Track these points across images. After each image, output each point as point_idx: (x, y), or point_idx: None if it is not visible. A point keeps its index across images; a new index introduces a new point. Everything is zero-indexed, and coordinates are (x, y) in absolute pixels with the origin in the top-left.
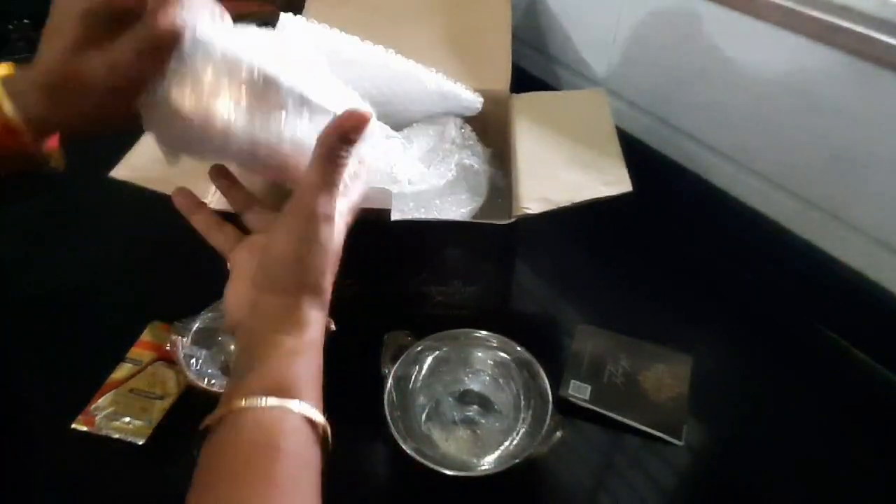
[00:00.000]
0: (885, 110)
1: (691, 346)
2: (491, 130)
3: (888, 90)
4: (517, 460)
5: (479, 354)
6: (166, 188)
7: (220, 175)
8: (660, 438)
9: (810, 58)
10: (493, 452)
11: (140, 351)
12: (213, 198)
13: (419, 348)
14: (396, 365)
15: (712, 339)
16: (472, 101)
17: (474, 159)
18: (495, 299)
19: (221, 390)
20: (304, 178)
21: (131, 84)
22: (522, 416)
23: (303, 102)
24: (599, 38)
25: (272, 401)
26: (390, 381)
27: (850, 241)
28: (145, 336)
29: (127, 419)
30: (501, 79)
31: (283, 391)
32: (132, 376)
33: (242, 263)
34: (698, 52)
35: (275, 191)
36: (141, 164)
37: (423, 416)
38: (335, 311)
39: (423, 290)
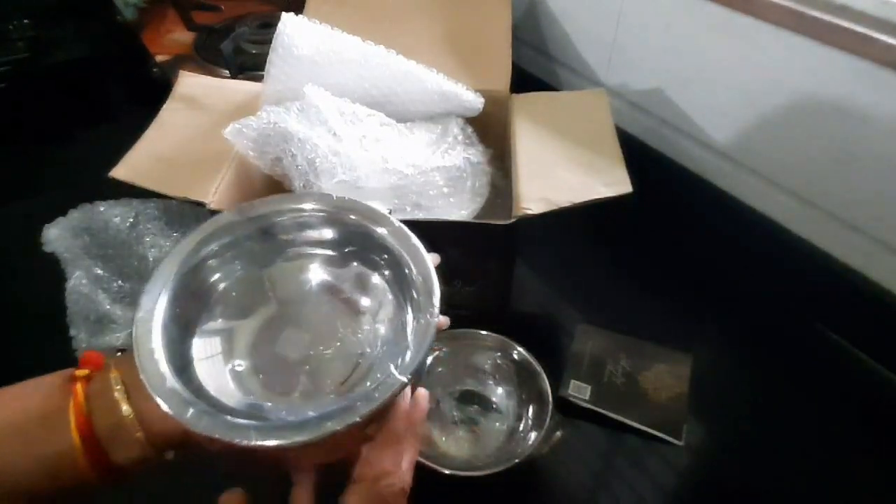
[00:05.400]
0: (885, 110)
1: (691, 346)
2: (491, 130)
3: (888, 90)
4: (517, 460)
5: (479, 354)
6: (166, 188)
7: None
8: (660, 438)
9: (810, 58)
10: (493, 452)
11: None
12: (214, 198)
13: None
14: None
15: (712, 339)
16: (473, 101)
17: (477, 158)
18: (495, 299)
19: None
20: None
21: None
22: (522, 416)
23: None
24: (599, 38)
25: None
26: None
27: (850, 241)
28: None
29: None
30: (501, 79)
31: None
32: None
33: None
34: (698, 52)
35: (274, 192)
36: (141, 164)
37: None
38: None
39: None
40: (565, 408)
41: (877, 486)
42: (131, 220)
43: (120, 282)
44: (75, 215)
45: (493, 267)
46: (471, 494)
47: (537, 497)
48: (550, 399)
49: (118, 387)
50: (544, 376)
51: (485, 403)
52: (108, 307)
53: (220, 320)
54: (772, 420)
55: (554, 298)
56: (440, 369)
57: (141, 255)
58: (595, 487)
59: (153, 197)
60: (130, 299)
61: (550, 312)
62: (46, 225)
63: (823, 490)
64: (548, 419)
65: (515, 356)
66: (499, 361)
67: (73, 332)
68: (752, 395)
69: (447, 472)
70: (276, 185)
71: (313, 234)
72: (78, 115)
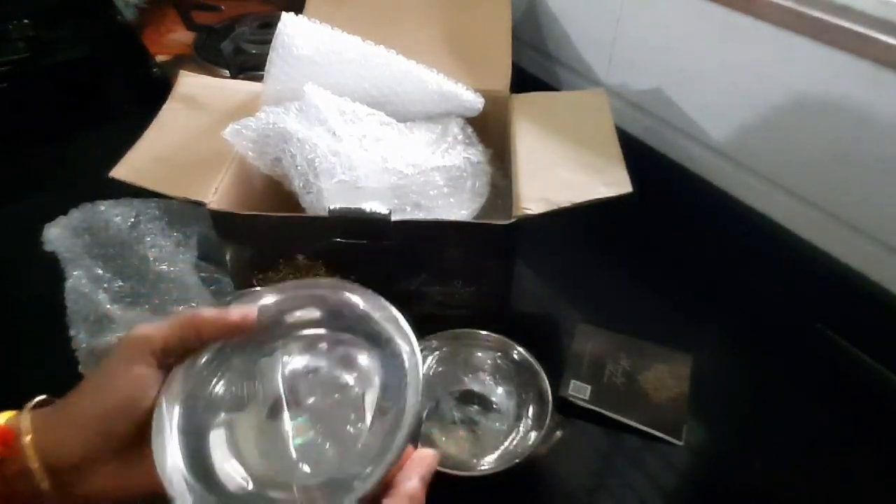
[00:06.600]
0: (885, 110)
1: (691, 346)
2: (491, 130)
3: (888, 90)
4: (517, 460)
5: (479, 354)
6: (166, 188)
7: None
8: (660, 438)
9: (810, 58)
10: (493, 452)
11: None
12: (214, 198)
13: (419, 348)
14: None
15: (712, 339)
16: (473, 101)
17: (477, 158)
18: (495, 299)
19: None
20: None
21: None
22: (522, 416)
23: None
24: (599, 38)
25: None
26: None
27: (850, 241)
28: None
29: None
30: (501, 79)
31: None
32: None
33: None
34: (698, 52)
35: (274, 192)
36: (141, 164)
37: (424, 416)
38: None
39: (423, 290)
40: (565, 408)
41: (877, 485)
42: (132, 220)
43: (120, 282)
44: (76, 215)
45: (493, 267)
46: (471, 494)
47: (537, 497)
48: (550, 399)
49: (42, 479)
50: (544, 376)
51: (485, 403)
52: (108, 307)
53: (222, 414)
54: (772, 420)
55: (554, 298)
56: (440, 369)
57: (141, 255)
58: (595, 487)
59: (154, 197)
60: (131, 299)
61: (550, 312)
62: (47, 224)
63: (823, 490)
64: (548, 419)
65: (515, 356)
66: (499, 361)
67: (72, 332)
68: (752, 395)
69: (447, 472)
70: (276, 185)
71: (299, 314)
72: (78, 115)
